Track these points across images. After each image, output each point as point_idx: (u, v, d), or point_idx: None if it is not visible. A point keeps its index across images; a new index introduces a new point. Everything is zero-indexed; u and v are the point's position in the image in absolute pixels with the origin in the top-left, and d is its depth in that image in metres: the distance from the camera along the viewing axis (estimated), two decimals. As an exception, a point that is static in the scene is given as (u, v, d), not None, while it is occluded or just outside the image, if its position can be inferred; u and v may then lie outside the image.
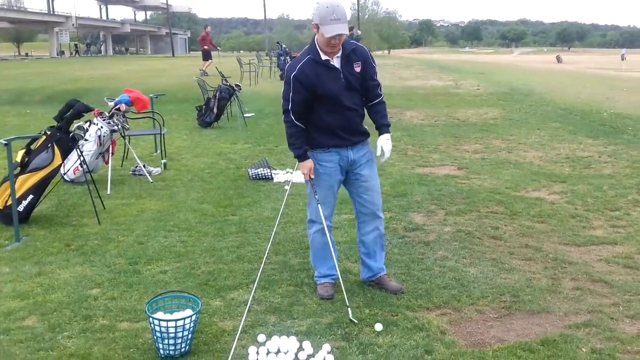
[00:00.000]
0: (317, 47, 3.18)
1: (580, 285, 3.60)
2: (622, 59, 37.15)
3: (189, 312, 2.79)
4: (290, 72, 3.21)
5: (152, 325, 2.67)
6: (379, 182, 3.55)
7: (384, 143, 3.38)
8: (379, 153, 3.41)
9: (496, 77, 22.65)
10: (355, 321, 3.10)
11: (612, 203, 5.39)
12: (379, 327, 3.03)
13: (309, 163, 3.34)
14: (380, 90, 3.41)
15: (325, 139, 3.33)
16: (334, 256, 3.46)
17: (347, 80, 3.23)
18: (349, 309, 3.20)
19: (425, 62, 36.20)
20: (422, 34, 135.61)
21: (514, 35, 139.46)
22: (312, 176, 3.35)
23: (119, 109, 5.97)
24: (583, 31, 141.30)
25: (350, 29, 22.80)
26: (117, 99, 6.07)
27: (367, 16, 75.47)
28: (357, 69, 3.25)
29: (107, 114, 6.00)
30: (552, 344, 2.89)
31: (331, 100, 3.23)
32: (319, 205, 3.36)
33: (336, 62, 3.21)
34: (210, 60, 20.74)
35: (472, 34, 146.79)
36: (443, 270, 3.84)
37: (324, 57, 3.18)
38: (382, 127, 3.41)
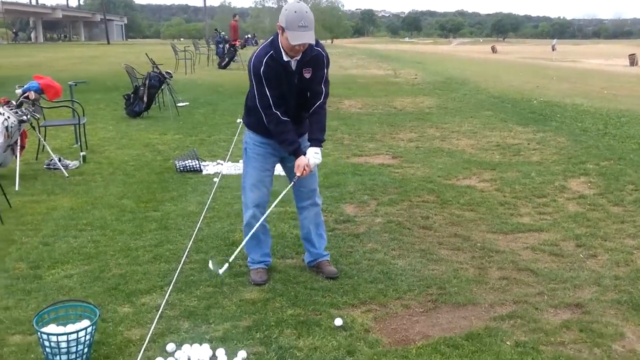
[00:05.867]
0: (280, 46, 3.05)
1: (507, 275, 3.57)
2: (553, 50, 38.83)
3: (85, 322, 2.51)
4: (258, 67, 3.07)
5: (42, 340, 2.38)
6: (316, 169, 3.46)
7: (311, 156, 3.22)
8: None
9: (434, 67, 23.02)
10: (220, 273, 3.11)
11: (540, 190, 5.46)
12: (338, 321, 2.91)
13: (304, 159, 3.20)
14: (323, 98, 3.26)
15: (265, 128, 3.23)
16: (268, 243, 3.56)
17: (299, 84, 3.17)
18: (227, 264, 3.14)
19: (367, 52, 36.43)
20: (364, 23, 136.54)
21: (452, 26, 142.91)
22: (299, 174, 3.21)
23: (27, 97, 5.48)
24: (517, 22, 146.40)
25: None
26: (25, 86, 5.58)
27: (309, 5, 75.11)
28: (307, 75, 3.17)
29: (14, 103, 5.49)
30: (476, 338, 2.81)
31: (279, 97, 3.16)
32: (252, 188, 3.34)
33: (293, 63, 3.11)
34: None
35: (412, 25, 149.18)
36: (371, 263, 3.72)
37: (285, 58, 3.07)
38: (313, 140, 3.25)
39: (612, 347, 2.73)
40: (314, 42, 3.04)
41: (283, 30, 2.96)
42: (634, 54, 29.80)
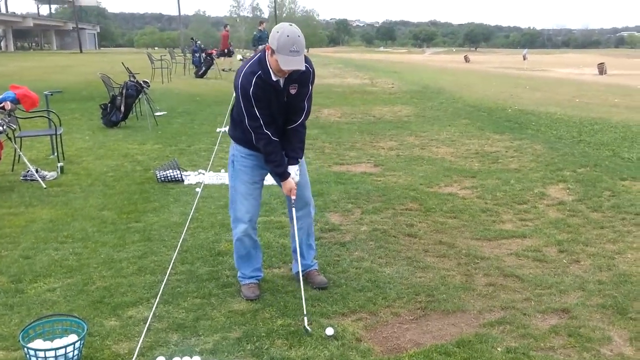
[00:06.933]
0: (268, 65, 3.01)
1: (493, 281, 3.61)
2: (524, 59, 39.60)
3: (73, 337, 2.45)
4: (247, 88, 3.02)
5: (28, 356, 2.31)
6: (308, 179, 3.50)
7: (294, 176, 3.27)
8: None
9: (409, 76, 23.26)
10: (309, 330, 2.92)
11: (520, 197, 5.55)
12: (329, 331, 2.89)
13: (292, 182, 3.25)
14: (305, 116, 3.26)
15: (252, 141, 3.19)
16: (259, 258, 3.50)
17: (287, 101, 3.16)
18: (305, 317, 3.00)
19: (343, 61, 36.65)
20: (339, 33, 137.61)
21: (425, 35, 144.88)
22: (294, 197, 3.27)
23: (3, 108, 5.36)
24: (488, 32, 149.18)
25: (260, 23, 22.43)
26: (1, 97, 5.45)
27: (285, 15, 75.41)
28: (292, 91, 3.14)
29: (-10, 114, 5.37)
30: (467, 345, 2.83)
31: (269, 117, 3.13)
32: (243, 201, 3.29)
33: (282, 81, 3.09)
34: (229, 58, 22.61)
35: (387, 34, 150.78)
36: (359, 271, 3.72)
37: (274, 77, 3.04)
38: (291, 159, 3.27)
39: (601, 352, 2.78)
40: (303, 68, 3.00)
41: (273, 52, 2.92)
42: (603, 63, 30.58)
